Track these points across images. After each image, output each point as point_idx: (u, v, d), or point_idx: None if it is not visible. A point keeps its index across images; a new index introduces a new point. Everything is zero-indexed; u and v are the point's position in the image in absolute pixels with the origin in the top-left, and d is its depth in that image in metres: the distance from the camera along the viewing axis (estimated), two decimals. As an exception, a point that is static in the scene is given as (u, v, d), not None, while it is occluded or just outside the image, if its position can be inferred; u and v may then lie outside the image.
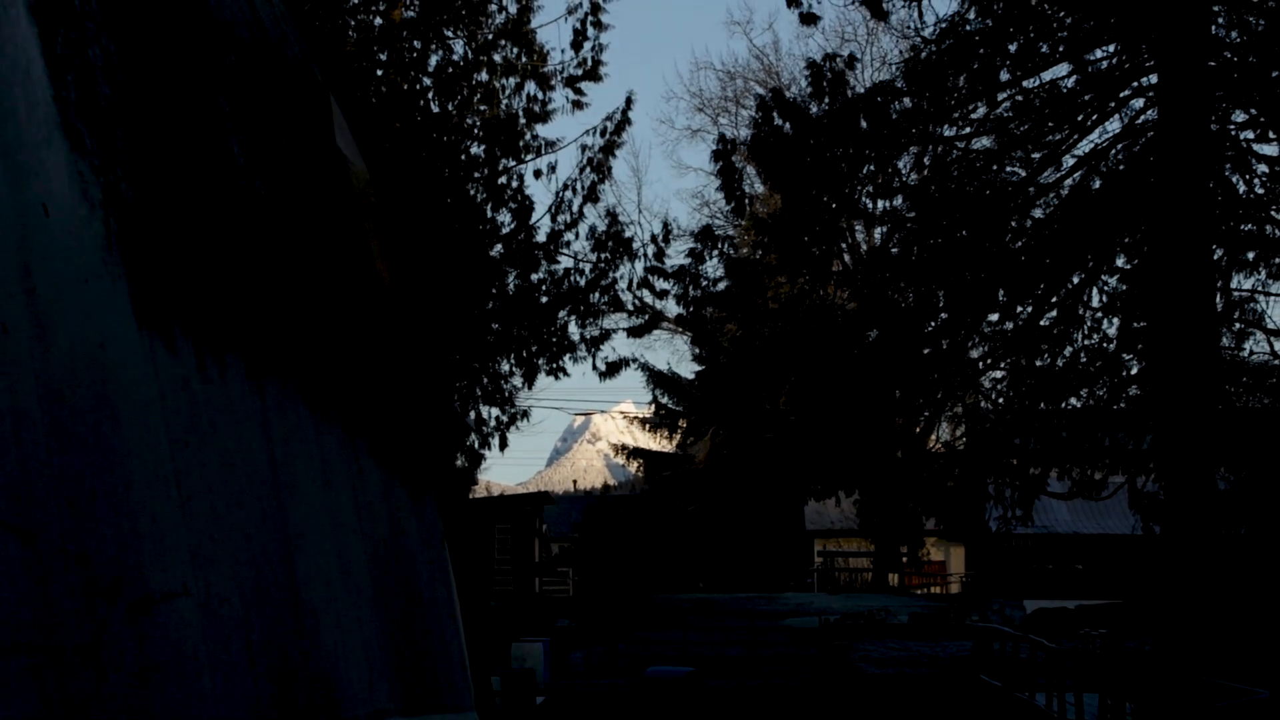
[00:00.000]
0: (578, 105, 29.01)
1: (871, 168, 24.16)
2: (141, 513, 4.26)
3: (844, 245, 42.12)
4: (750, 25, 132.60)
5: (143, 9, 5.31)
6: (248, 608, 5.01)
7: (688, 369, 59.39)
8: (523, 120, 28.64)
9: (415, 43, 27.54)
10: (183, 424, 4.72)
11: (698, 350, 54.83)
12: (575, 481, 78.42)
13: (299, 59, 7.04)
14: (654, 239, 30.90)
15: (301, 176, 6.80)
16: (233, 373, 5.29)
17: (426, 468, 7.86)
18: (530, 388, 30.44)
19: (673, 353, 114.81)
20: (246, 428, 5.37)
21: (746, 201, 31.04)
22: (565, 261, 29.59)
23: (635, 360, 47.81)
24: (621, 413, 77.38)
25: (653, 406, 59.66)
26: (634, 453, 62.31)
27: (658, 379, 58.33)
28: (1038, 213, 24.53)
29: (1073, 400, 25.75)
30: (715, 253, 28.06)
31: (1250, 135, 24.20)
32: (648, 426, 60.73)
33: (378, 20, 27.11)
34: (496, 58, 28.37)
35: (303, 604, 5.55)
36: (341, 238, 7.11)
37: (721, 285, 31.51)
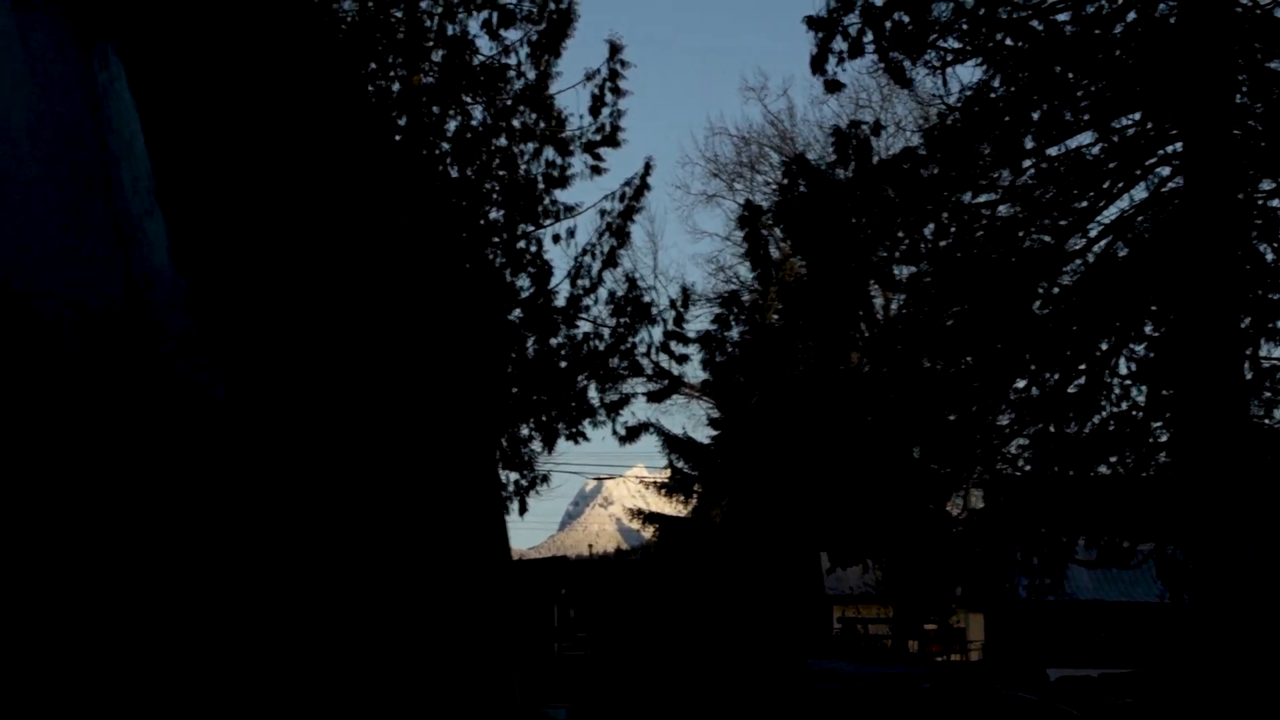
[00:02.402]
0: (596, 170, 29.11)
1: (898, 234, 24.16)
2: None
3: (862, 312, 42.05)
4: (765, 91, 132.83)
5: (233, 86, 5.34)
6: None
7: (703, 434, 59.00)
8: (541, 185, 28.71)
9: (434, 108, 27.63)
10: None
11: (715, 415, 54.63)
12: (590, 546, 78.14)
13: (363, 127, 7.08)
14: (673, 304, 30.94)
15: (372, 250, 6.80)
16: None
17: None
18: (550, 452, 30.40)
19: (689, 417, 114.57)
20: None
21: (773, 267, 31.10)
22: (584, 326, 29.60)
23: (653, 425, 47.72)
24: (637, 477, 77.16)
25: (668, 471, 59.36)
26: (649, 517, 61.97)
27: (673, 443, 57.95)
28: (1065, 280, 24.49)
29: (1101, 468, 25.58)
30: (741, 318, 28.10)
31: (1277, 203, 24.19)
32: (663, 491, 60.40)
33: (395, 85, 27.21)
34: (515, 123, 28.49)
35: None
36: (411, 309, 7.13)
37: (743, 350, 31.49)
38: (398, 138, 26.53)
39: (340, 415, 5.86)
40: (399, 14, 27.44)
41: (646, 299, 30.00)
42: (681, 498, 60.00)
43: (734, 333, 30.32)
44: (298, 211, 6.00)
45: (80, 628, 3.52)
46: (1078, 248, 24.40)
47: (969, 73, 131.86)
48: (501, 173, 28.42)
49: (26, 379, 3.47)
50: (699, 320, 43.65)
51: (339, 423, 5.81)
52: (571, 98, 31.42)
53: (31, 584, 3.30)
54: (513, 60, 28.23)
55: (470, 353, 10.42)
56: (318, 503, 5.43)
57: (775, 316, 37.00)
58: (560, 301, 29.26)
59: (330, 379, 5.85)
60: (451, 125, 27.99)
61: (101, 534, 3.79)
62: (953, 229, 24.67)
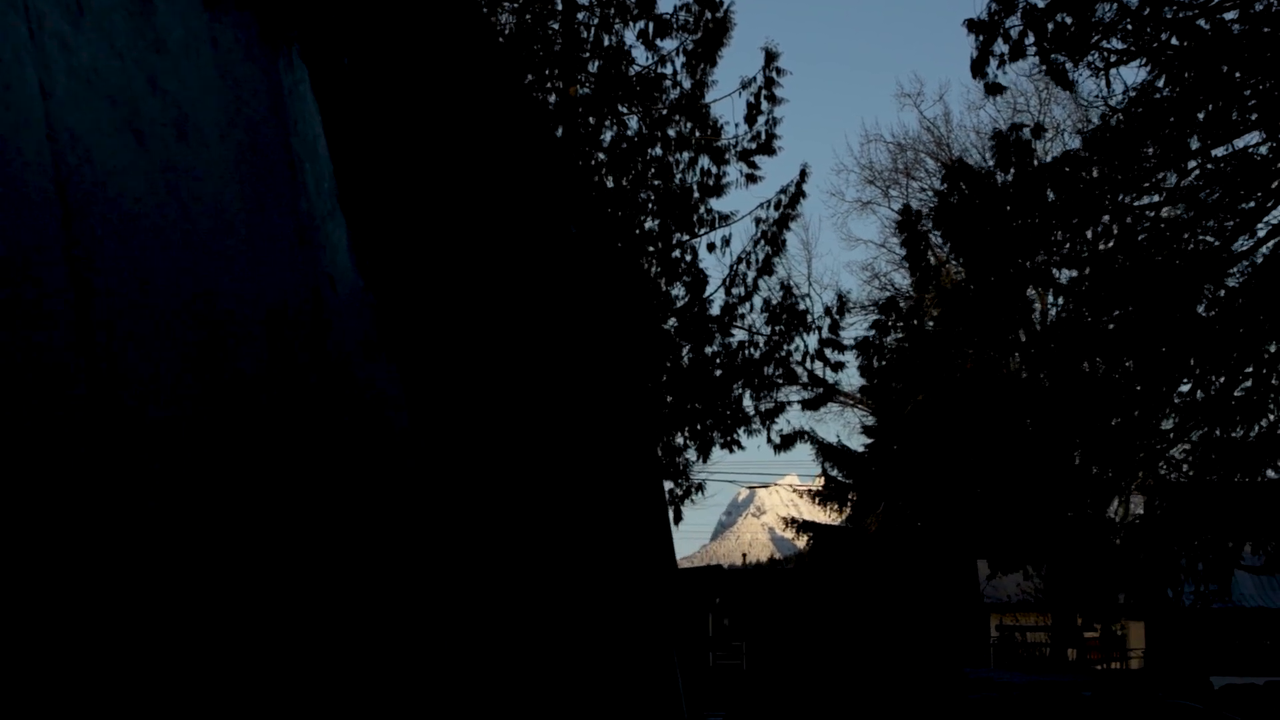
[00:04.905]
0: (751, 179, 29.06)
1: (1060, 237, 23.88)
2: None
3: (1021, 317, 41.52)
4: (920, 97, 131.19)
5: (407, 92, 5.43)
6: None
7: (858, 442, 58.63)
8: (696, 194, 28.71)
9: (590, 119, 27.73)
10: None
11: (869, 423, 54.24)
12: (744, 555, 78.05)
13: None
14: (828, 311, 30.84)
15: (541, 256, 6.85)
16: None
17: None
18: (705, 461, 30.39)
19: (844, 425, 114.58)
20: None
21: (931, 271, 30.90)
22: (739, 334, 29.54)
23: (807, 433, 47.41)
24: (790, 486, 76.96)
25: (822, 479, 59.00)
26: (803, 526, 61.58)
27: (827, 452, 57.52)
28: (1231, 281, 24.03)
29: (1269, 472, 25.04)
30: (899, 324, 27.93)
31: None
32: (817, 499, 60.04)
33: (552, 96, 27.36)
34: (670, 132, 28.52)
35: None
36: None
37: (901, 356, 31.27)
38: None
39: (509, 419, 5.90)
40: (555, 26, 27.64)
41: (802, 306, 29.91)
42: (835, 506, 59.61)
43: (891, 338, 30.12)
44: (469, 216, 6.07)
45: (254, 629, 3.58)
46: (1244, 249, 23.94)
47: (1131, 74, 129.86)
48: (657, 182, 28.48)
49: (216, 381, 3.53)
50: (854, 328, 43.48)
51: (508, 427, 5.85)
52: (726, 106, 31.56)
53: (212, 580, 3.36)
54: (668, 70, 28.32)
55: (633, 359, 10.44)
56: (489, 507, 5.47)
57: (931, 322, 36.66)
58: (715, 310, 29.26)
59: (500, 382, 5.89)
60: (607, 135, 28.12)
61: (282, 532, 3.87)
62: (1115, 231, 24.31)
